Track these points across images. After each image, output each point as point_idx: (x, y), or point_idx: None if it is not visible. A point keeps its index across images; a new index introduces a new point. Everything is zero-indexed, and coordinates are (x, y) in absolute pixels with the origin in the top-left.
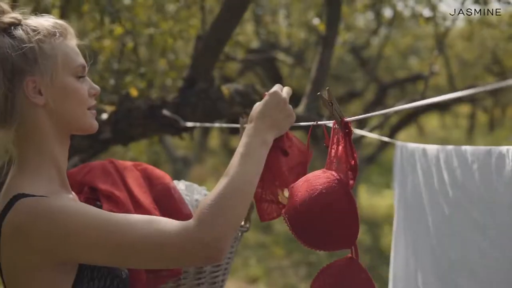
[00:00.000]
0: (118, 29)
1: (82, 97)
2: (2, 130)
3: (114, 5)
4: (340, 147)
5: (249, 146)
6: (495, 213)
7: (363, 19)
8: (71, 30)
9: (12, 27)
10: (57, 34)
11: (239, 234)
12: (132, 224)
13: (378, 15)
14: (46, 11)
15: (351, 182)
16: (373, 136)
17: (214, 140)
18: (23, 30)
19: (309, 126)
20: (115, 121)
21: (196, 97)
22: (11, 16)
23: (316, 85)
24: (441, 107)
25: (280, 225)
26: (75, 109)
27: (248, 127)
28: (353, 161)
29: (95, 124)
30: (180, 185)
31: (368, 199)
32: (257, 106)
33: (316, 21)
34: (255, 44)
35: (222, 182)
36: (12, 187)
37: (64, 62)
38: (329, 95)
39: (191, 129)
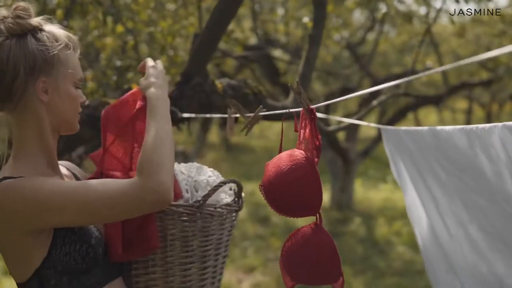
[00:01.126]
0: (119, 28)
1: (76, 104)
2: (2, 112)
3: (116, 6)
4: (307, 130)
5: (152, 105)
6: (480, 177)
7: (359, 16)
8: (78, 44)
9: (38, 31)
10: (70, 47)
11: (234, 214)
12: (91, 187)
13: (372, 12)
14: (52, 11)
15: (316, 159)
16: (347, 120)
17: (213, 136)
18: (46, 36)
19: (284, 114)
20: None
21: (192, 90)
22: (37, 20)
23: (303, 80)
24: (436, 102)
25: (278, 218)
26: (69, 112)
27: (149, 93)
28: (317, 142)
29: (78, 127)
30: (181, 168)
31: (364, 192)
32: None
33: (306, 19)
34: (253, 41)
35: (145, 140)
36: (7, 168)
37: (71, 72)
38: (297, 86)
39: (187, 119)
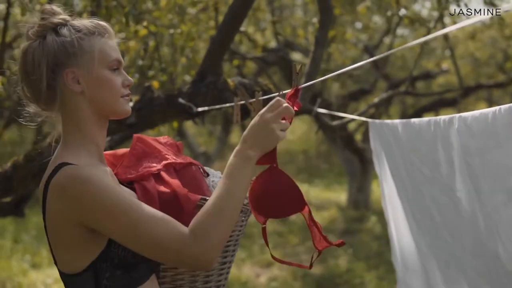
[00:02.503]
0: (142, 31)
1: (114, 87)
2: (49, 112)
3: (137, 9)
4: (295, 107)
5: (233, 166)
6: (437, 167)
7: (379, 20)
8: (110, 30)
9: (59, 27)
10: (96, 32)
11: (248, 211)
12: (146, 219)
13: (389, 16)
14: (79, 15)
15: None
16: (343, 115)
17: (235, 137)
18: (67, 29)
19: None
20: (138, 109)
21: (206, 88)
22: (60, 17)
23: (309, 78)
24: (452, 103)
25: (296, 216)
26: (108, 96)
27: (236, 148)
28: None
29: (128, 110)
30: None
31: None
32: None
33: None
34: (273, 44)
35: (211, 201)
36: (57, 158)
37: (100, 56)
38: (299, 68)
39: (201, 114)
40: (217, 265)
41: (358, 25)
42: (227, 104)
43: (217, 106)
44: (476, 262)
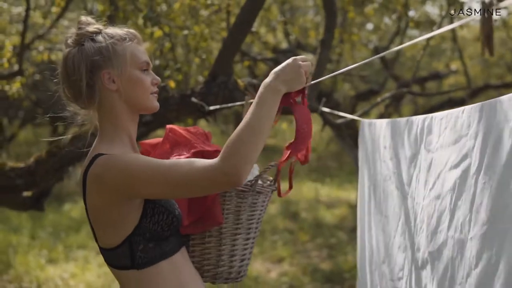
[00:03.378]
0: (157, 32)
1: (144, 85)
2: (87, 110)
3: (154, 12)
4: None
5: (262, 95)
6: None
7: (389, 21)
8: (139, 36)
9: (94, 35)
10: (127, 38)
11: (270, 192)
12: (177, 165)
13: (395, 19)
14: (98, 18)
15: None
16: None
17: None
18: (102, 36)
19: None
20: None
21: (217, 87)
22: (95, 26)
23: (315, 78)
24: (461, 103)
25: (306, 214)
26: (139, 93)
27: (265, 80)
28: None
29: (156, 105)
30: None
31: None
32: (279, 66)
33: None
34: (285, 46)
35: (240, 125)
36: (94, 150)
37: (132, 59)
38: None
39: (213, 112)
40: (241, 240)
41: (370, 26)
42: (237, 103)
43: (228, 105)
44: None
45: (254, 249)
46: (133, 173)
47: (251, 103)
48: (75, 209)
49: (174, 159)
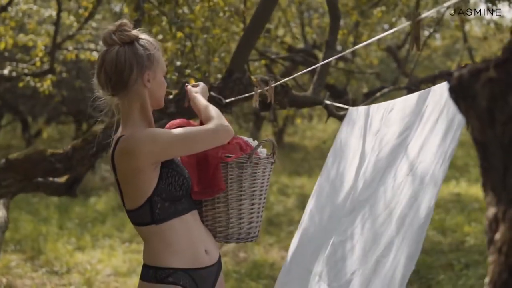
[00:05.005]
0: (179, 33)
1: (164, 88)
2: (113, 96)
3: (178, 17)
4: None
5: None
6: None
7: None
8: (161, 46)
9: (139, 39)
10: (157, 48)
11: (271, 165)
12: (190, 129)
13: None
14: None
15: None
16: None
17: (266, 133)
18: (147, 43)
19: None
20: (177, 100)
21: (232, 83)
22: (136, 31)
23: (320, 76)
24: None
25: None
26: (161, 93)
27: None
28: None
29: (163, 103)
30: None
31: None
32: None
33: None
34: (302, 45)
35: (207, 108)
36: (120, 133)
37: (161, 66)
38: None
39: (230, 104)
40: (247, 205)
41: (386, 26)
42: (248, 94)
43: (241, 96)
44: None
45: (270, 238)
46: (156, 141)
47: (263, 97)
48: (99, 203)
49: (189, 128)
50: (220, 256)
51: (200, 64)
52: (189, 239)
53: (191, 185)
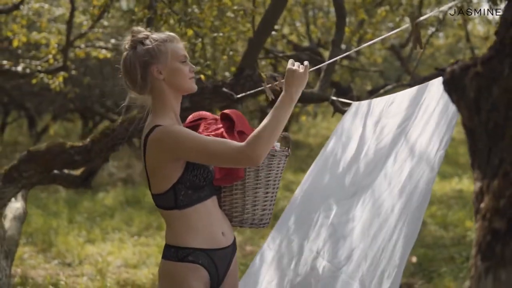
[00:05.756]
0: (189, 31)
1: (183, 72)
2: (142, 96)
3: (187, 15)
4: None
5: (281, 102)
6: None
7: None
8: (177, 38)
9: (144, 39)
10: (168, 40)
11: (285, 158)
12: (215, 142)
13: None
14: (140, 20)
15: None
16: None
17: None
18: (149, 40)
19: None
20: (191, 95)
21: (244, 79)
22: (144, 33)
23: (327, 74)
24: None
25: None
26: (180, 80)
27: (282, 93)
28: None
29: (194, 87)
30: None
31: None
32: (285, 78)
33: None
34: (307, 43)
35: (264, 122)
36: (151, 123)
37: (172, 54)
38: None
39: (241, 99)
40: (261, 194)
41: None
42: (259, 88)
43: (252, 91)
44: None
45: None
46: (184, 141)
47: (273, 90)
48: (108, 198)
49: (213, 137)
50: (235, 238)
51: (209, 62)
52: (208, 223)
53: (216, 174)
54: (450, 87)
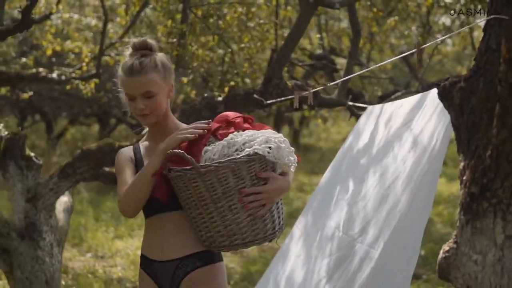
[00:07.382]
0: (215, 39)
1: (131, 109)
2: None
3: (220, 28)
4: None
5: (143, 169)
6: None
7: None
8: (137, 70)
9: (118, 63)
10: (123, 72)
11: (251, 163)
12: (119, 185)
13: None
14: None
15: None
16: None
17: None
18: (166, 58)
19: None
20: (226, 102)
21: (272, 88)
22: (126, 52)
23: (344, 83)
24: None
25: None
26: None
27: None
28: None
29: (144, 123)
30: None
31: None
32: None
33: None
34: (319, 51)
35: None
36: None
37: (123, 89)
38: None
39: (270, 105)
40: (217, 213)
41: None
42: (289, 97)
43: (281, 99)
44: None
45: (288, 228)
46: (116, 172)
47: (299, 96)
48: None
49: (126, 180)
50: (185, 258)
51: (238, 70)
52: (150, 235)
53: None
54: (443, 96)
